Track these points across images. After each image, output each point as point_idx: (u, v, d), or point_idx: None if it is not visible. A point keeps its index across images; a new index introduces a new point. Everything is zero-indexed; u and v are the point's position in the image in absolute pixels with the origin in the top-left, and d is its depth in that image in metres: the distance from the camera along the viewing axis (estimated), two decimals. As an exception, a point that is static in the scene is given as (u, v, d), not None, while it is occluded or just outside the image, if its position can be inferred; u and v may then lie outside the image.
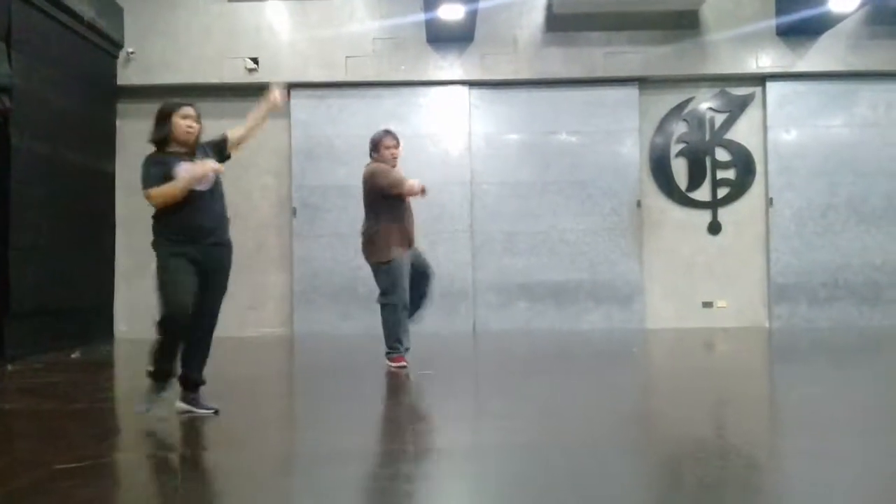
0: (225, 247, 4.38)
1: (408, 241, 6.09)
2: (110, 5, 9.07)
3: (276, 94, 4.45)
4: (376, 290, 6.41)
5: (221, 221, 4.35)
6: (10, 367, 6.70)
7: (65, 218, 7.96)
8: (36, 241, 7.36)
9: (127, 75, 9.40)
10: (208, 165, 4.16)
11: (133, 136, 9.67)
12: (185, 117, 4.25)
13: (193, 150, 4.31)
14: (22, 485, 3.05)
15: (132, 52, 9.36)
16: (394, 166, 6.15)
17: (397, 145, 6.18)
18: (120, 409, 4.76)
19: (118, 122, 9.44)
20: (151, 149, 4.38)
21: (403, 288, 5.98)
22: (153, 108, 10.41)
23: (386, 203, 6.06)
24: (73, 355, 7.35)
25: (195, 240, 4.19)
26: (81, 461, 3.35)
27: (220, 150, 4.45)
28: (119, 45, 9.29)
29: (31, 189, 7.26)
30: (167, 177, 4.12)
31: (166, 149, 4.27)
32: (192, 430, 4.14)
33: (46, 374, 6.28)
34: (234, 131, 4.51)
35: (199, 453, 3.67)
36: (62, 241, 7.89)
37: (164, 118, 4.27)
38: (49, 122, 7.67)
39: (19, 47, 7.26)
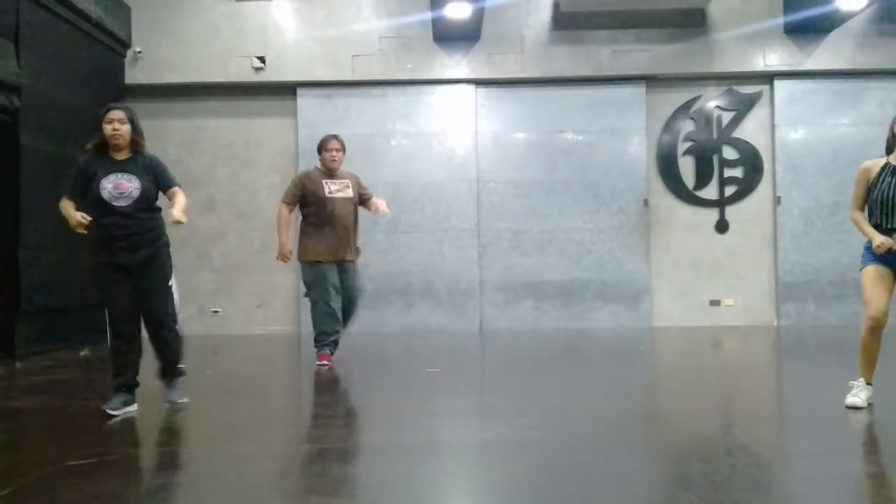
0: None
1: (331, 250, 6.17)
2: (118, 4, 9.10)
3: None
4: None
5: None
6: (19, 365, 6.74)
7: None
8: (45, 239, 7.39)
9: (135, 74, 9.45)
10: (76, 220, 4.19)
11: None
12: (109, 122, 4.30)
13: (131, 152, 4.36)
14: (32, 481, 3.07)
15: (140, 52, 9.39)
16: (332, 169, 6.25)
17: (339, 149, 6.28)
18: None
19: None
20: (154, 152, 4.49)
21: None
22: (161, 107, 10.55)
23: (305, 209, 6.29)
24: (81, 353, 7.38)
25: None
26: (91, 458, 3.37)
27: (164, 186, 4.44)
28: (126, 45, 9.32)
29: (41, 188, 7.28)
30: (78, 184, 4.28)
31: (108, 153, 4.34)
32: (199, 426, 4.17)
33: (56, 372, 6.32)
34: (174, 199, 4.45)
35: (206, 449, 3.68)
36: (71, 240, 7.87)
37: (96, 125, 4.34)
38: (57, 121, 7.71)
39: (27, 46, 7.30)
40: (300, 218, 6.36)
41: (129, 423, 4.32)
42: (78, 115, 8.24)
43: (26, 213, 7.14)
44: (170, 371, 4.50)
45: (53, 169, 7.63)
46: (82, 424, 4.11)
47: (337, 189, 6.19)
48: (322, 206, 6.12)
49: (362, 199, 6.39)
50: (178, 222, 4.27)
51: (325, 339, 6.12)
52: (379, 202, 6.34)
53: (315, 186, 6.16)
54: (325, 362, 6.07)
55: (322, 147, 6.28)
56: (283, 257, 6.19)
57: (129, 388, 4.34)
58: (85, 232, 4.17)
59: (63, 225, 4.34)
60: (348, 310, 6.33)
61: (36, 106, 7.39)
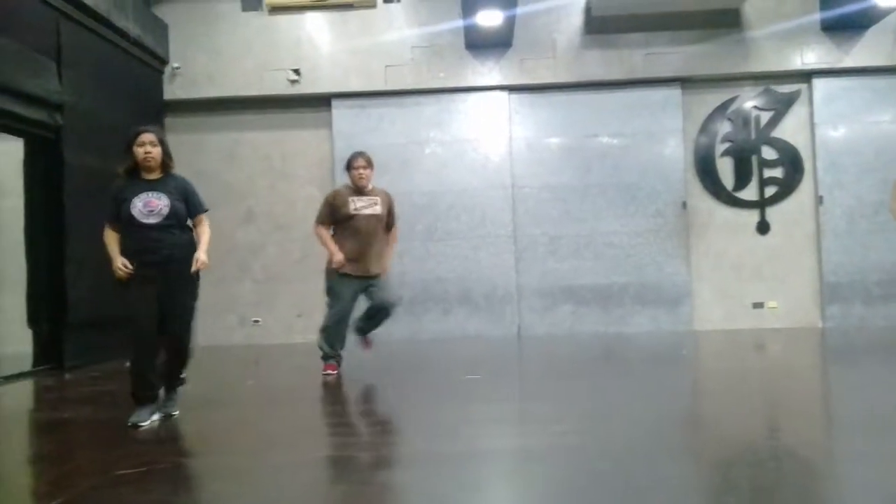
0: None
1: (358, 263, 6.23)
2: (155, 22, 9.29)
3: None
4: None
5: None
6: (67, 376, 6.89)
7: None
8: (90, 253, 7.52)
9: (173, 90, 9.61)
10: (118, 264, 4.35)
11: (180, 150, 9.88)
12: (140, 145, 4.41)
13: (162, 172, 4.48)
14: (84, 490, 3.14)
15: (177, 68, 9.56)
16: (360, 186, 6.28)
17: (365, 166, 6.30)
18: (175, 416, 4.85)
19: (166, 137, 9.66)
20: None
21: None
22: (199, 121, 10.72)
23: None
24: (127, 364, 7.50)
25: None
26: (139, 467, 3.43)
27: (193, 209, 4.56)
28: (164, 61, 9.50)
29: (84, 203, 7.45)
30: (115, 211, 4.41)
31: (140, 175, 4.45)
32: (243, 435, 4.21)
33: (103, 383, 6.44)
34: (199, 230, 4.58)
35: (251, 459, 3.72)
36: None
37: (127, 148, 4.44)
38: (99, 137, 7.86)
39: (69, 65, 7.47)
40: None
41: (174, 432, 4.39)
42: (119, 131, 8.34)
43: (70, 227, 7.29)
44: (173, 381, 4.60)
45: (96, 184, 7.79)
46: (130, 434, 4.19)
47: (363, 205, 6.25)
48: (348, 221, 6.20)
49: (388, 222, 6.45)
50: (201, 265, 4.41)
51: (327, 359, 6.27)
52: (384, 263, 6.43)
53: (341, 203, 6.24)
54: (330, 371, 6.21)
55: (349, 165, 6.34)
56: (339, 263, 6.14)
57: (152, 399, 4.44)
58: (123, 277, 4.33)
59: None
60: (379, 316, 6.38)
61: (78, 123, 7.56)
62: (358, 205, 6.23)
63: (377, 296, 6.27)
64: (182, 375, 4.67)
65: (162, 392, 4.60)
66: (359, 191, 6.28)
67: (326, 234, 6.29)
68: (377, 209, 6.29)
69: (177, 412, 4.59)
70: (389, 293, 6.35)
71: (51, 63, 7.28)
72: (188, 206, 4.51)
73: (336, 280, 6.20)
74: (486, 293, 9.50)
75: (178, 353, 4.56)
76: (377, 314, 6.35)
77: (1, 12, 6.65)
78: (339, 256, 6.12)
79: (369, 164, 6.33)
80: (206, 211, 4.61)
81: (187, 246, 4.47)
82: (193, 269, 4.41)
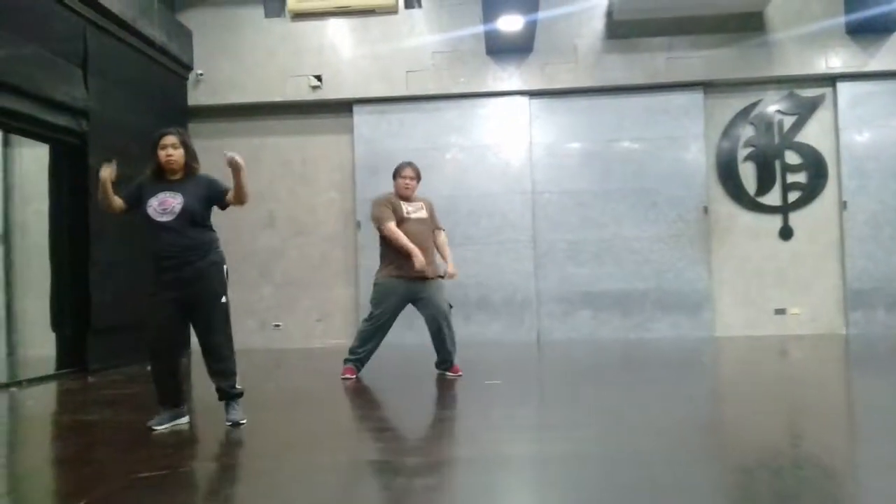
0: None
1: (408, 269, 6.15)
2: (180, 29, 9.39)
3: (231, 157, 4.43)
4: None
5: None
6: (90, 379, 6.96)
7: (140, 235, 8.21)
8: (114, 258, 7.63)
9: (196, 96, 9.71)
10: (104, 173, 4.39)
11: (204, 155, 9.97)
12: (162, 147, 4.44)
13: (185, 174, 4.50)
14: (104, 493, 3.17)
15: (201, 74, 9.66)
16: (405, 196, 6.29)
17: (413, 177, 6.31)
18: (196, 419, 4.89)
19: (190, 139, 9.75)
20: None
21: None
22: (223, 127, 10.80)
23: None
24: (149, 368, 7.57)
25: None
26: (161, 470, 3.46)
27: (217, 194, 4.52)
28: (189, 68, 9.60)
29: (109, 208, 7.53)
30: (132, 194, 4.49)
31: (164, 176, 4.49)
32: (264, 438, 4.24)
33: (125, 386, 6.51)
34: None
35: (272, 462, 3.74)
36: (138, 258, 8.12)
37: (152, 151, 4.47)
38: (124, 143, 7.94)
39: (95, 72, 7.58)
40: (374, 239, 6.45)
41: (196, 436, 4.42)
42: (143, 138, 8.45)
43: (95, 233, 7.38)
44: (226, 394, 4.52)
45: (120, 190, 7.89)
46: (152, 437, 4.23)
47: (413, 210, 6.29)
48: (399, 226, 6.17)
49: (434, 225, 6.46)
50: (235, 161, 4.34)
51: (354, 356, 6.28)
52: (449, 268, 6.41)
53: (395, 207, 6.25)
54: (348, 376, 6.21)
55: (397, 174, 6.36)
56: (420, 261, 6.02)
57: (173, 403, 4.47)
58: (104, 176, 4.36)
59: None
60: (439, 333, 6.22)
61: (103, 129, 7.65)
62: (408, 209, 6.27)
63: (425, 311, 6.22)
64: (236, 387, 4.53)
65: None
66: (404, 199, 6.32)
67: (400, 232, 6.13)
68: (424, 214, 6.34)
69: (244, 420, 4.46)
70: (437, 305, 6.21)
71: (77, 70, 7.39)
72: (216, 196, 4.51)
73: (384, 285, 6.19)
74: (506, 298, 9.49)
75: (219, 364, 4.47)
76: (435, 333, 6.22)
77: (28, 20, 6.76)
78: (420, 257, 6.01)
79: (417, 175, 6.36)
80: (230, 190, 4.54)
81: (204, 245, 4.48)
82: (230, 156, 4.36)
